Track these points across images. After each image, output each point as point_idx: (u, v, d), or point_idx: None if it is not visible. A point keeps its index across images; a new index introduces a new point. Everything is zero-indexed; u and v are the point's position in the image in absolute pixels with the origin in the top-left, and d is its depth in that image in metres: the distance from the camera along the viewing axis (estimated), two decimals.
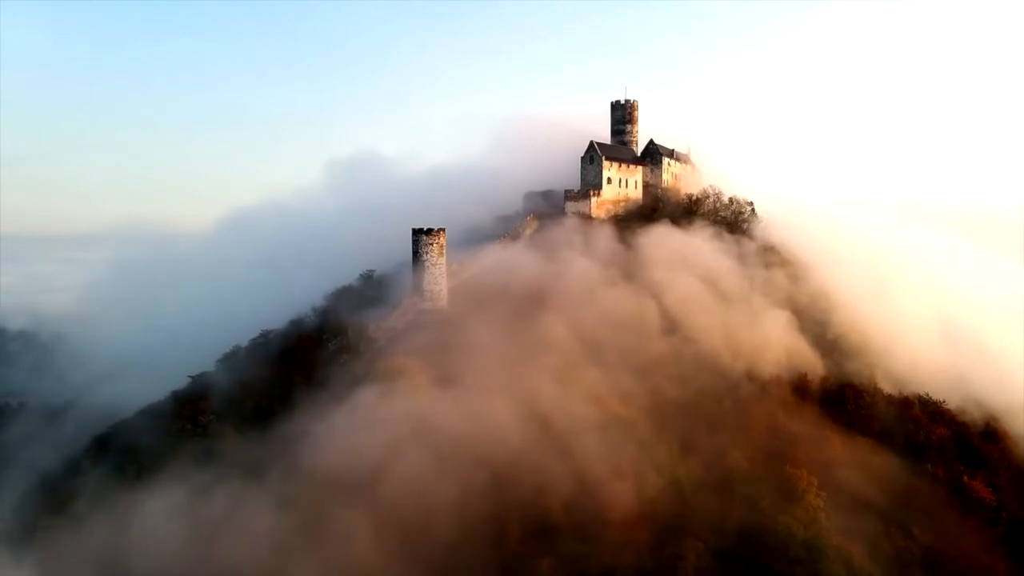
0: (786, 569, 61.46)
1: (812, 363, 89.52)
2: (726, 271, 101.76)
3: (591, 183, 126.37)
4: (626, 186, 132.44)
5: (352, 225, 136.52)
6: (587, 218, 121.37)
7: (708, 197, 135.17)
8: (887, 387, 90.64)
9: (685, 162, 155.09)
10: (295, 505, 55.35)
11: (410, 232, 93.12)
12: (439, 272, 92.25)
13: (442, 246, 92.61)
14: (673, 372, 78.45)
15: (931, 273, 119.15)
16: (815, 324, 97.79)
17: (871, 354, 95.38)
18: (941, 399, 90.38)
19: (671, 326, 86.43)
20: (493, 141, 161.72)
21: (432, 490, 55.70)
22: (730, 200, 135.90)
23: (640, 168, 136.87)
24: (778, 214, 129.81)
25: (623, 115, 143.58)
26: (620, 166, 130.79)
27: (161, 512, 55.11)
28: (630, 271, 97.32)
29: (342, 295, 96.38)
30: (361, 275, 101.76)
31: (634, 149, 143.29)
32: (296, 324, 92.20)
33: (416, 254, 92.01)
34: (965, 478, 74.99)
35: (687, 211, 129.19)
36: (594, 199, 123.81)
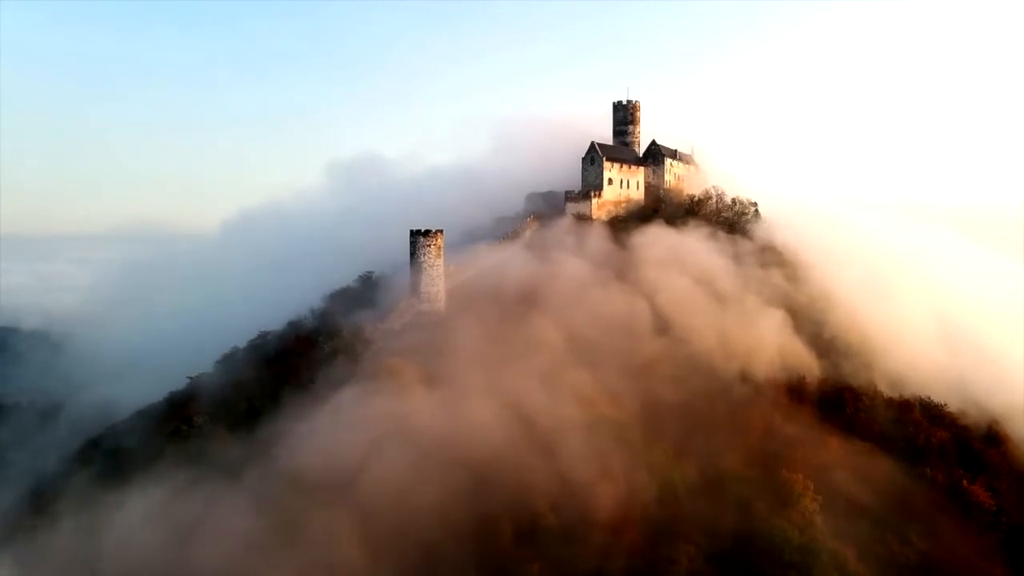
0: (780, 573, 61.18)
1: (808, 364, 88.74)
2: (721, 271, 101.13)
3: (592, 184, 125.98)
4: (627, 187, 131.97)
5: (353, 226, 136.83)
6: (588, 219, 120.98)
7: (710, 198, 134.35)
8: (886, 389, 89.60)
9: (688, 163, 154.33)
10: (271, 506, 55.39)
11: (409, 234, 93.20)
12: (436, 274, 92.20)
13: (439, 248, 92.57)
14: (665, 373, 78.03)
15: (932, 273, 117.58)
16: (813, 325, 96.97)
17: (870, 355, 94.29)
18: (943, 402, 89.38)
19: (664, 327, 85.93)
20: (495, 142, 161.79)
21: (411, 491, 55.51)
22: (733, 201, 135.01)
23: (642, 169, 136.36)
24: (779, 214, 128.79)
25: (625, 116, 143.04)
26: (621, 167, 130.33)
27: (137, 513, 55.36)
28: (624, 272, 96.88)
29: (340, 297, 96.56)
30: (360, 277, 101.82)
31: (636, 150, 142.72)
32: (294, 325, 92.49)
33: (413, 256, 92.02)
34: (964, 482, 74.07)
35: (688, 212, 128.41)
36: (595, 200, 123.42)
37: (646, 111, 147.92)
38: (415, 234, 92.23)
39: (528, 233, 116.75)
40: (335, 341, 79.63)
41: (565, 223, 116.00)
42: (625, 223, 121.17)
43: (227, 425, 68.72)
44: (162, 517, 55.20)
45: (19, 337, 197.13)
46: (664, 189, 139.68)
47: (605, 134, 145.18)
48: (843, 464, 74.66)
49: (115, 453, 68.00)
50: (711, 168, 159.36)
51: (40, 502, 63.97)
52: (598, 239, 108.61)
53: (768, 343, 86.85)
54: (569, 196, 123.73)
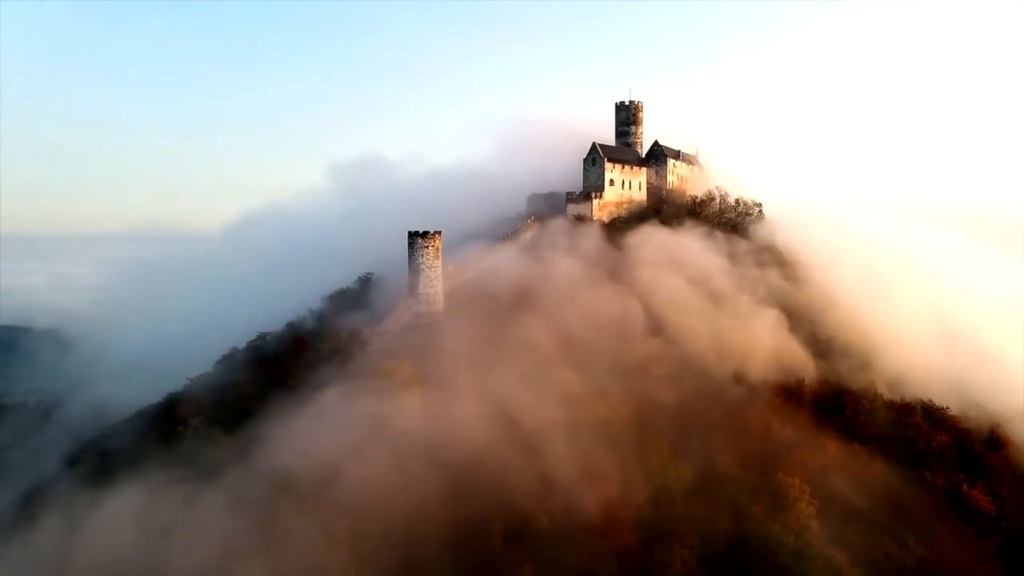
0: None
1: (805, 364, 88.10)
2: (716, 271, 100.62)
3: (593, 185, 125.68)
4: (629, 188, 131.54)
5: (355, 227, 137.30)
6: (588, 220, 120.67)
7: (713, 199, 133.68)
8: (885, 390, 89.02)
9: (692, 163, 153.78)
10: (248, 507, 55.52)
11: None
12: (434, 275, 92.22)
13: (437, 249, 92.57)
14: (659, 374, 77.66)
15: (932, 272, 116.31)
16: (811, 325, 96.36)
17: (869, 355, 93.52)
18: (944, 405, 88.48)
19: (658, 327, 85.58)
20: (497, 143, 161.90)
21: (391, 491, 55.38)
22: (737, 202, 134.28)
23: (644, 170, 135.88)
24: (780, 214, 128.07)
25: (627, 116, 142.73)
26: (623, 168, 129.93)
27: (113, 513, 55.62)
28: (619, 272, 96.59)
29: (339, 298, 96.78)
30: (359, 278, 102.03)
31: (639, 151, 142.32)
32: (293, 327, 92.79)
33: (411, 257, 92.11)
34: (964, 487, 73.30)
35: (691, 213, 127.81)
36: (596, 201, 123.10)
37: (650, 112, 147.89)
38: (413, 235, 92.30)
39: (529, 234, 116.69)
40: (331, 342, 79.82)
41: (560, 224, 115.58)
42: (626, 224, 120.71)
43: (223, 427, 69.05)
44: (138, 517, 55.44)
45: (30, 336, 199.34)
46: (666, 190, 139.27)
47: (608, 135, 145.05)
48: (840, 468, 73.99)
49: (106, 454, 68.42)
50: (715, 169, 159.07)
51: (28, 502, 64.45)
52: (595, 240, 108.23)
53: (762, 343, 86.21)
54: (570, 197, 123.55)
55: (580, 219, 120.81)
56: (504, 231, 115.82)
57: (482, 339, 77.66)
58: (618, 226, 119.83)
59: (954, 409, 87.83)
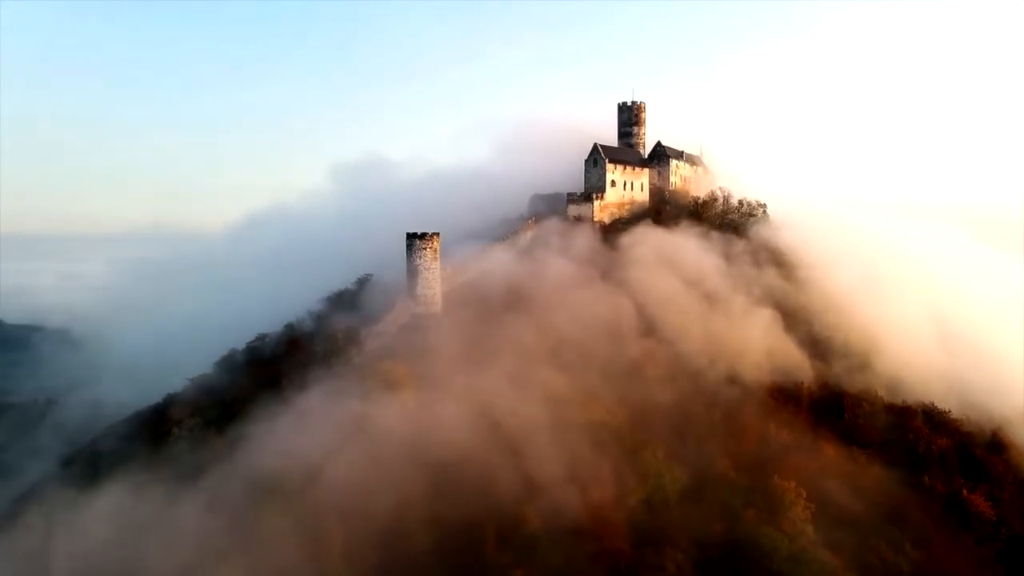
0: None
1: (800, 365, 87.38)
2: (711, 271, 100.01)
3: (594, 186, 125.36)
4: (631, 189, 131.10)
5: (357, 229, 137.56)
6: (589, 222, 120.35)
7: (716, 200, 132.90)
8: (884, 391, 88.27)
9: (696, 164, 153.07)
10: (225, 507, 55.72)
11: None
12: (432, 276, 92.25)
13: (436, 250, 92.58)
14: (652, 375, 77.38)
15: (933, 272, 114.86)
16: (809, 325, 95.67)
17: (868, 356, 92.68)
18: (947, 408, 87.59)
19: (652, 328, 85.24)
20: (500, 144, 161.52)
21: (369, 492, 55.29)
22: (740, 202, 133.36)
23: (646, 171, 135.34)
24: (781, 214, 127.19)
25: (629, 117, 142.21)
26: (625, 169, 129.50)
27: (94, 513, 55.94)
28: (613, 273, 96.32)
29: (337, 299, 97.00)
30: (358, 279, 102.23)
31: (641, 151, 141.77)
32: (291, 328, 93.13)
33: (410, 258, 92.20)
34: (964, 491, 72.50)
35: (692, 215, 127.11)
36: (597, 202, 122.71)
37: (654, 112, 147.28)
38: (411, 237, 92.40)
39: (529, 235, 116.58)
40: (327, 344, 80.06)
41: (559, 225, 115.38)
42: (627, 225, 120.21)
43: (217, 428, 69.39)
44: (117, 517, 55.76)
45: (40, 336, 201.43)
46: (669, 191, 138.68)
47: (611, 136, 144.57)
48: (838, 472, 73.49)
49: (99, 454, 68.97)
50: (719, 169, 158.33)
51: (17, 502, 65.05)
52: (592, 241, 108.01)
53: (756, 344, 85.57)
54: (570, 198, 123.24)
55: (581, 220, 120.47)
56: (505, 232, 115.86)
57: (476, 340, 77.62)
58: (619, 227, 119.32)
59: (955, 411, 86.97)
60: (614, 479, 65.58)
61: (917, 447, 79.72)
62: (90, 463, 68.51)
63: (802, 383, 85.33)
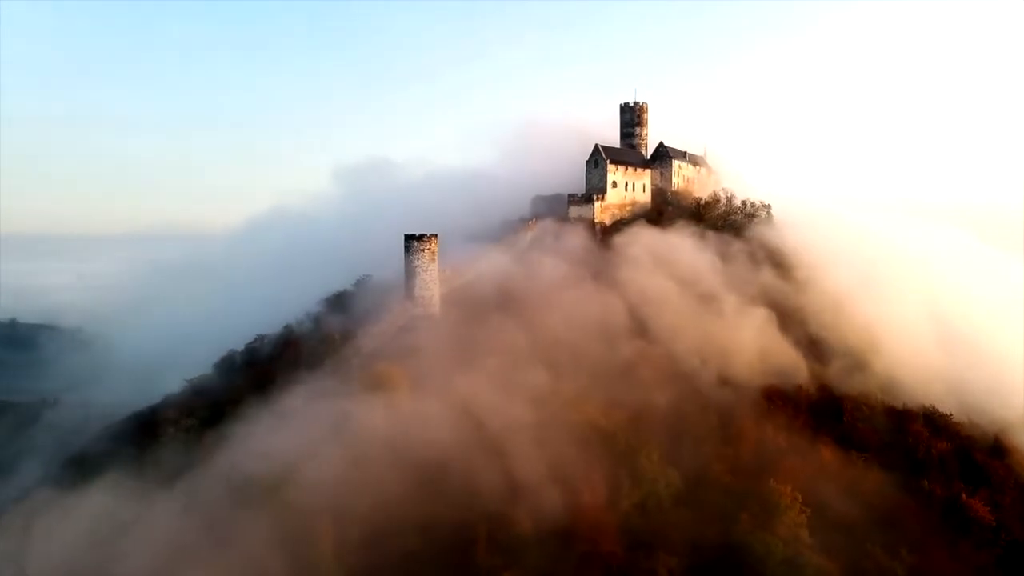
0: None
1: (796, 365, 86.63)
2: (706, 271, 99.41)
3: (596, 187, 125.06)
4: (633, 190, 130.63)
5: (360, 230, 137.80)
6: (590, 223, 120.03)
7: (718, 201, 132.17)
8: (883, 393, 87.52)
9: (699, 165, 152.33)
10: (200, 508, 55.90)
11: None
12: (430, 278, 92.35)
13: (434, 252, 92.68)
14: (646, 376, 76.90)
15: (934, 272, 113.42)
16: (807, 326, 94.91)
17: (867, 358, 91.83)
18: (948, 412, 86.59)
19: (645, 329, 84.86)
20: (502, 145, 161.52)
21: (347, 492, 55.29)
22: (743, 203, 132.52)
23: (648, 172, 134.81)
24: (782, 214, 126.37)
25: (632, 117, 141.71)
26: (626, 169, 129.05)
27: (73, 514, 56.29)
28: (608, 274, 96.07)
29: (336, 301, 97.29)
30: (358, 280, 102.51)
31: (644, 152, 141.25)
32: (289, 329, 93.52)
33: (408, 260, 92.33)
34: (964, 496, 71.57)
35: (694, 216, 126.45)
36: (598, 203, 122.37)
37: (658, 113, 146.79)
38: (409, 238, 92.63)
39: (530, 236, 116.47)
40: (323, 345, 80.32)
41: (559, 226, 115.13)
42: (628, 226, 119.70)
43: (212, 429, 69.67)
44: (92, 519, 56.06)
45: (50, 336, 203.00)
46: (671, 192, 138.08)
47: (615, 136, 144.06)
48: (835, 476, 72.90)
49: (92, 454, 69.49)
50: (723, 170, 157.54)
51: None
52: (590, 242, 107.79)
53: (749, 344, 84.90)
54: (572, 199, 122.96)
55: (582, 222, 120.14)
56: (505, 234, 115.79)
57: (471, 342, 77.66)
58: (620, 228, 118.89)
59: (956, 414, 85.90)
60: (607, 482, 65.29)
61: (916, 451, 78.89)
62: (79, 464, 69.02)
63: (800, 385, 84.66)
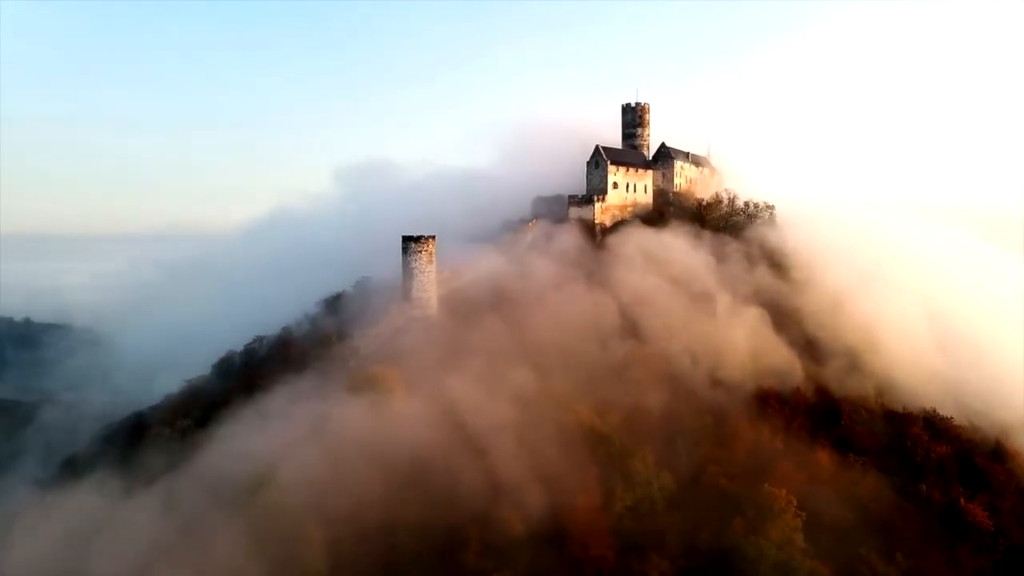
0: None
1: (789, 366, 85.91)
2: (700, 272, 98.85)
3: (596, 188, 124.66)
4: (634, 191, 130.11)
5: (361, 232, 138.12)
6: (591, 224, 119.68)
7: (720, 202, 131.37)
8: (882, 395, 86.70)
9: (702, 165, 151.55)
10: (177, 508, 56.09)
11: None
12: (427, 279, 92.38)
13: (431, 253, 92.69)
14: (641, 377, 76.54)
15: (936, 273, 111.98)
16: (804, 326, 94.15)
17: (865, 358, 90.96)
18: (948, 415, 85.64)
19: (640, 330, 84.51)
20: (504, 146, 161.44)
21: (323, 493, 55.25)
22: (746, 204, 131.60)
23: (650, 172, 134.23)
24: (783, 214, 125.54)
25: (633, 118, 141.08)
26: (627, 170, 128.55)
27: (50, 515, 56.60)
28: (604, 274, 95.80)
29: (334, 302, 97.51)
30: (357, 282, 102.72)
31: (646, 153, 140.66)
32: (287, 331, 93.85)
33: (405, 261, 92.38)
34: (962, 500, 70.78)
35: (695, 217, 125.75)
36: (598, 204, 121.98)
37: (661, 114, 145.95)
38: (407, 239, 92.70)
39: (529, 237, 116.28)
40: (319, 347, 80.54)
41: (554, 228, 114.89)
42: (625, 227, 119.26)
43: (202, 430, 70.02)
44: (70, 519, 56.38)
45: (62, 334, 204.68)
46: (673, 193, 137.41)
47: (617, 137, 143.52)
48: (831, 479, 72.26)
49: (74, 456, 69.98)
50: (727, 170, 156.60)
51: None
52: (588, 243, 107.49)
53: (741, 344, 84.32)
54: (572, 200, 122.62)
55: (582, 223, 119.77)
56: (505, 235, 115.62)
57: (463, 343, 77.54)
58: (620, 229, 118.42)
59: (957, 417, 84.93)
60: (599, 484, 65.06)
61: (915, 455, 78.09)
62: (70, 464, 69.53)
63: (798, 388, 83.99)
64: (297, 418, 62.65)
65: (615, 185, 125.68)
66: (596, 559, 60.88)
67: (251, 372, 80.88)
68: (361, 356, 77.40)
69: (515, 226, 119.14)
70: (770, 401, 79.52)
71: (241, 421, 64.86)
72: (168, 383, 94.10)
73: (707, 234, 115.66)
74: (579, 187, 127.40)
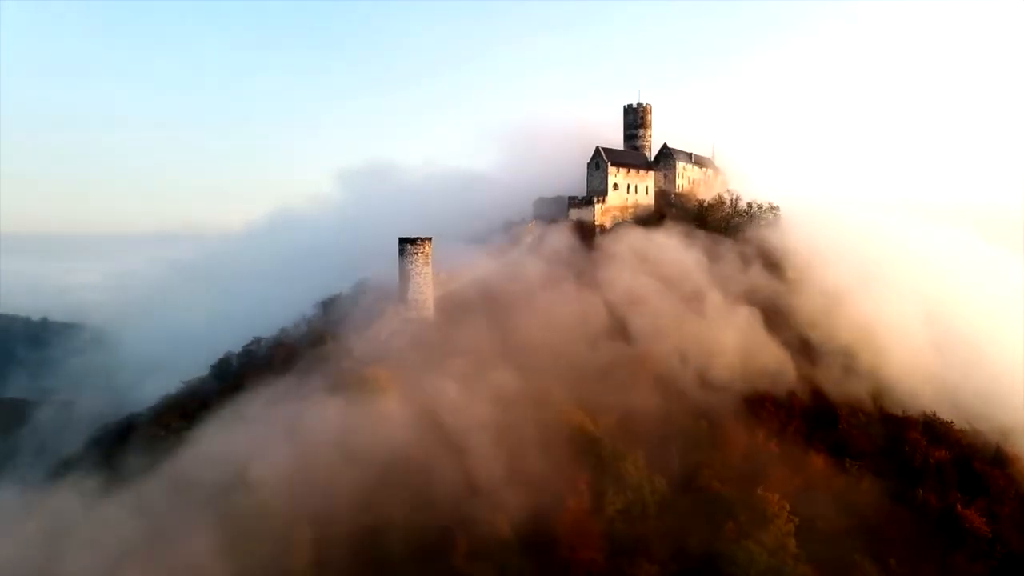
0: None
1: (782, 366, 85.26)
2: (693, 272, 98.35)
3: (597, 189, 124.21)
4: (635, 192, 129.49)
5: (363, 233, 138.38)
6: (590, 226, 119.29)
7: (723, 203, 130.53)
8: (877, 396, 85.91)
9: (706, 166, 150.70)
10: (146, 510, 56.41)
11: None
12: (424, 281, 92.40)
13: (427, 255, 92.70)
14: (634, 379, 76.22)
15: (936, 274, 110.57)
16: (800, 327, 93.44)
17: (860, 359, 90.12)
18: (949, 419, 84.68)
19: (638, 332, 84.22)
20: (507, 147, 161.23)
21: (296, 494, 55.34)
22: (749, 205, 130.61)
23: (651, 174, 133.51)
24: (784, 214, 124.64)
25: (635, 119, 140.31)
26: (628, 171, 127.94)
27: (25, 514, 57.11)
28: (601, 275, 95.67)
29: (332, 304, 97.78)
30: (355, 284, 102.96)
31: (647, 154, 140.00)
32: (285, 332, 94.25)
33: (402, 263, 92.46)
34: (959, 506, 69.94)
35: (697, 218, 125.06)
36: (598, 206, 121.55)
37: (664, 115, 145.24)
38: (403, 242, 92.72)
39: (530, 239, 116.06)
40: (313, 348, 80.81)
41: (552, 229, 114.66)
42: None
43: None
44: (44, 518, 56.81)
45: (76, 334, 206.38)
46: (675, 194, 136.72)
47: (619, 138, 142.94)
48: (826, 484, 71.76)
49: (67, 455, 70.63)
50: (731, 171, 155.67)
51: None
52: (583, 244, 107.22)
53: (731, 345, 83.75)
54: (572, 202, 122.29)
55: (582, 224, 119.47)
56: (505, 236, 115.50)
57: (457, 345, 77.53)
58: (614, 230, 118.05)
59: (956, 420, 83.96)
60: (590, 487, 64.86)
61: (913, 459, 77.28)
62: (57, 464, 70.11)
63: (794, 391, 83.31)
64: (271, 419, 62.87)
65: (615, 186, 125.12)
66: (585, 563, 60.66)
67: (243, 373, 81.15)
68: (354, 357, 77.39)
69: (514, 228, 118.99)
70: (766, 404, 78.83)
71: (218, 422, 65.24)
72: (168, 384, 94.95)
73: (701, 234, 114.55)
74: (582, 188, 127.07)
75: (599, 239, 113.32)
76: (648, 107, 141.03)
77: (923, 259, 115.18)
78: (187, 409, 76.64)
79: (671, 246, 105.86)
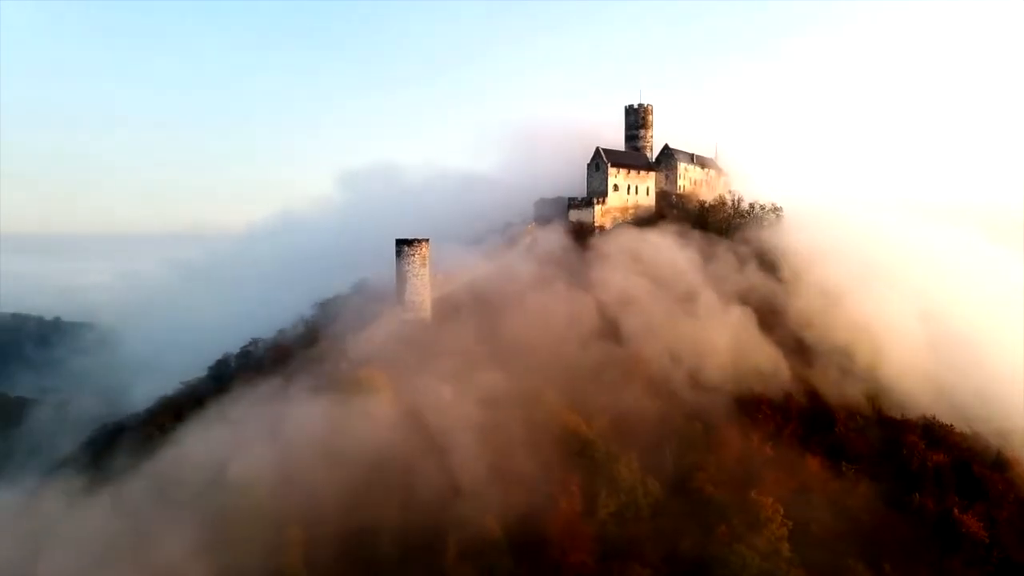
0: None
1: (773, 367, 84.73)
2: (687, 273, 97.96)
3: (597, 190, 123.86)
4: (636, 193, 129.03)
5: (363, 234, 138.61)
6: (590, 227, 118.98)
7: (724, 204, 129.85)
8: (875, 399, 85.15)
9: (708, 167, 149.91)
10: (122, 510, 56.66)
11: None
12: (421, 283, 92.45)
13: (424, 257, 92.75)
14: (629, 380, 75.93)
15: (936, 274, 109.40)
16: (795, 327, 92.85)
17: (858, 360, 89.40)
18: (948, 422, 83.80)
19: (624, 331, 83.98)
20: (508, 148, 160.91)
21: (274, 494, 55.41)
22: (751, 206, 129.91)
23: (652, 174, 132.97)
24: (786, 215, 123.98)
25: (636, 119, 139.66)
26: (628, 172, 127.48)
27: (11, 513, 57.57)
28: (598, 276, 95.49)
29: (330, 305, 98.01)
30: (354, 284, 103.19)
31: (648, 155, 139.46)
32: (283, 333, 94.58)
33: (399, 265, 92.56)
34: (956, 511, 69.18)
35: (697, 220, 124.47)
36: (598, 207, 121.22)
37: (667, 115, 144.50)
38: (401, 243, 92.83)
39: (529, 240, 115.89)
40: (309, 349, 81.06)
41: (552, 230, 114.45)
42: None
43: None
44: (28, 518, 57.24)
45: (86, 333, 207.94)
46: (676, 195, 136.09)
47: (620, 139, 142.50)
48: (822, 488, 71.32)
49: (59, 455, 71.13)
50: (734, 172, 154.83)
51: None
52: (581, 245, 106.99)
53: (723, 345, 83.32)
54: (572, 203, 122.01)
55: (582, 225, 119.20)
56: (504, 237, 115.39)
57: (452, 347, 77.54)
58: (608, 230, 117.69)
59: (956, 422, 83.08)
60: (583, 489, 64.67)
61: (911, 463, 76.57)
62: (49, 464, 70.61)
63: (790, 394, 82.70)
64: (254, 419, 62.99)
65: (616, 187, 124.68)
66: (576, 565, 60.53)
67: (238, 374, 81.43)
68: (349, 358, 77.54)
69: (514, 229, 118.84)
70: (762, 407, 78.31)
71: (201, 423, 65.53)
72: (168, 384, 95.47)
73: (697, 233, 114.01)
74: (582, 189, 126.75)
75: (593, 239, 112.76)
76: (649, 107, 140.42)
77: (924, 259, 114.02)
78: (182, 410, 77.00)
79: (665, 246, 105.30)
